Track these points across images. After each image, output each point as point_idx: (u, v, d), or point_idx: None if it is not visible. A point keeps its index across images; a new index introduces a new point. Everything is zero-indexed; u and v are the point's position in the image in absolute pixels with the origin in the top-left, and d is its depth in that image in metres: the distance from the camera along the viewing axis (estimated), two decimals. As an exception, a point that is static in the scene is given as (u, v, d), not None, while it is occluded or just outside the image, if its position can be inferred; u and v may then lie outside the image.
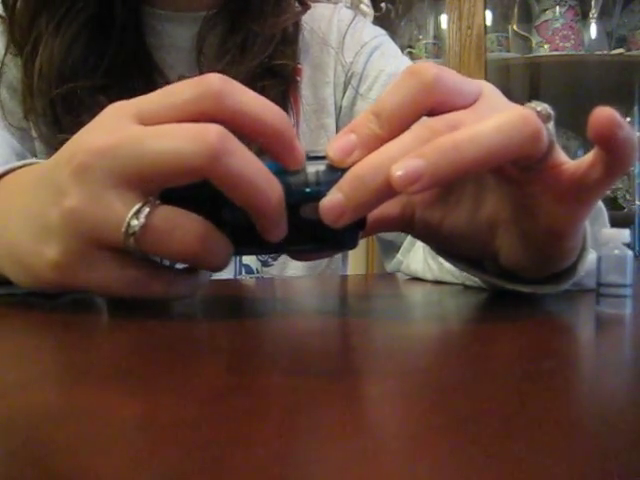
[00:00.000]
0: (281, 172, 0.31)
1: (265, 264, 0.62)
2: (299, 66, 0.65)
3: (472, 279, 0.43)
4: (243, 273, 0.64)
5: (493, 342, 0.27)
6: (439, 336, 0.29)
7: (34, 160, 0.38)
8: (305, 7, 0.66)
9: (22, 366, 0.22)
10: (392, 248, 0.67)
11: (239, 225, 0.31)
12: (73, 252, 0.31)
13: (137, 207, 0.29)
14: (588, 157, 0.31)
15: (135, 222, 0.29)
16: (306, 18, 0.67)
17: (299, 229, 0.31)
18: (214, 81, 0.30)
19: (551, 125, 0.31)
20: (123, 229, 0.29)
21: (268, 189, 0.29)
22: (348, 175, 0.29)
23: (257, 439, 0.14)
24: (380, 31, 0.71)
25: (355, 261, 1.79)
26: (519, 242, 0.36)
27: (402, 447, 0.14)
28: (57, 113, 0.57)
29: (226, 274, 0.63)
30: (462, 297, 0.43)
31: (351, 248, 0.34)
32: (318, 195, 0.30)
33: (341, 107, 0.68)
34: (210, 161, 0.28)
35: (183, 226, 0.29)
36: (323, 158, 0.31)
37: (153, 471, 0.12)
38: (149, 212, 0.29)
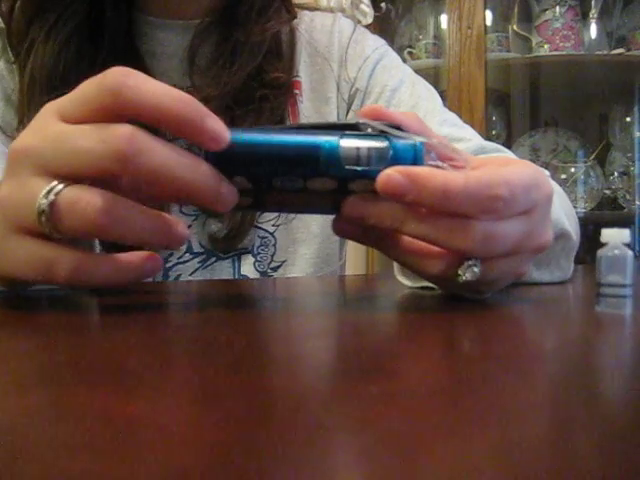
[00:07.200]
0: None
1: (264, 275, 0.62)
2: (297, 79, 0.65)
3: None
4: None
5: (491, 342, 0.27)
6: (439, 336, 0.29)
7: None
8: (292, 15, 0.65)
9: (22, 366, 0.22)
10: None
11: (287, 189, 0.32)
12: None
13: (48, 188, 0.30)
14: None
15: (44, 200, 0.30)
16: (305, 27, 0.67)
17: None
18: (112, 76, 0.30)
19: None
20: (35, 208, 0.30)
21: (190, 176, 0.30)
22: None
23: (258, 439, 0.14)
24: (380, 41, 0.71)
25: (355, 261, 1.79)
26: None
27: (403, 447, 0.14)
28: None
29: None
30: (461, 299, 0.43)
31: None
32: (369, 174, 0.31)
33: None
34: (120, 164, 0.29)
35: (85, 200, 0.30)
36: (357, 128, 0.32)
37: (153, 471, 0.12)
38: (59, 191, 0.30)
